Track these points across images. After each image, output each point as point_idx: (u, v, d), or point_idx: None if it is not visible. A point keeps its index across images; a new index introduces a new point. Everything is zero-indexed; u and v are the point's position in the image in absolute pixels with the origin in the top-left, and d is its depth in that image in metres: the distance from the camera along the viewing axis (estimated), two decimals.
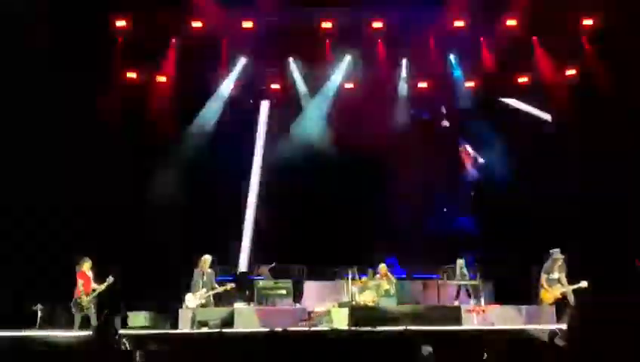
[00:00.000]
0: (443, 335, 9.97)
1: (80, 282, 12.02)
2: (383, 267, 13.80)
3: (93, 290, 12.01)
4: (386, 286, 13.53)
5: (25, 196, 13.72)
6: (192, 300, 12.52)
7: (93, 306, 11.91)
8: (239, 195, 16.92)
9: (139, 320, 12.68)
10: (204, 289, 12.61)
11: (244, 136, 17.02)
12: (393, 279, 13.72)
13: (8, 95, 13.10)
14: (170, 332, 11.67)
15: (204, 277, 12.72)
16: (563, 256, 12.45)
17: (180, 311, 12.47)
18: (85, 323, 11.76)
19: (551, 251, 12.62)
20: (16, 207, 13.79)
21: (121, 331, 7.65)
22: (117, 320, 11.30)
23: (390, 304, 13.13)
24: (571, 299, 12.20)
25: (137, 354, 6.22)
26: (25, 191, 13.66)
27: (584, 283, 12.14)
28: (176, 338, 10.92)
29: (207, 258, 12.91)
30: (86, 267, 12.12)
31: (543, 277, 12.48)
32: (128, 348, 6.74)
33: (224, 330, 11.16)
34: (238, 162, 16.63)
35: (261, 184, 17.14)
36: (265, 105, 17.43)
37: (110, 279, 12.02)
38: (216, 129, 16.44)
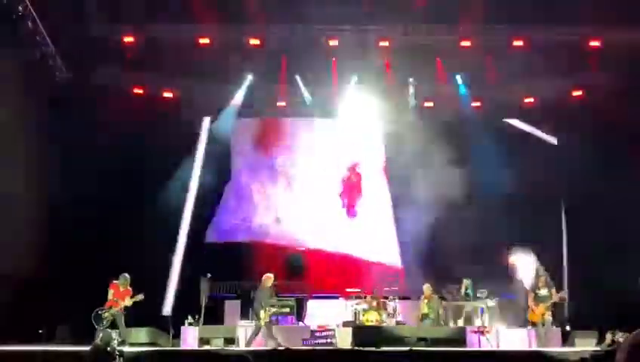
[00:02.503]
0: (447, 357, 9.83)
1: (110, 292, 11.87)
2: (427, 288, 13.48)
3: (125, 303, 11.85)
4: (425, 309, 13.26)
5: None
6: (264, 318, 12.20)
7: (110, 321, 11.68)
8: None
9: (140, 337, 12.57)
10: (271, 308, 12.35)
11: None
12: (436, 303, 13.39)
13: None
14: (173, 350, 11.56)
15: (268, 296, 12.46)
16: (545, 272, 12.46)
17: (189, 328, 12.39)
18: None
19: (535, 268, 12.60)
20: None
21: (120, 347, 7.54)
22: (114, 333, 11.16)
23: (426, 327, 12.86)
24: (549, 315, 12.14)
25: None
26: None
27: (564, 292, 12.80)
28: (179, 354, 10.82)
29: (270, 276, 12.64)
30: (122, 283, 11.95)
31: (530, 296, 12.41)
32: None
33: (227, 348, 11.06)
34: None
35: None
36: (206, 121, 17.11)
37: (140, 296, 11.87)
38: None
